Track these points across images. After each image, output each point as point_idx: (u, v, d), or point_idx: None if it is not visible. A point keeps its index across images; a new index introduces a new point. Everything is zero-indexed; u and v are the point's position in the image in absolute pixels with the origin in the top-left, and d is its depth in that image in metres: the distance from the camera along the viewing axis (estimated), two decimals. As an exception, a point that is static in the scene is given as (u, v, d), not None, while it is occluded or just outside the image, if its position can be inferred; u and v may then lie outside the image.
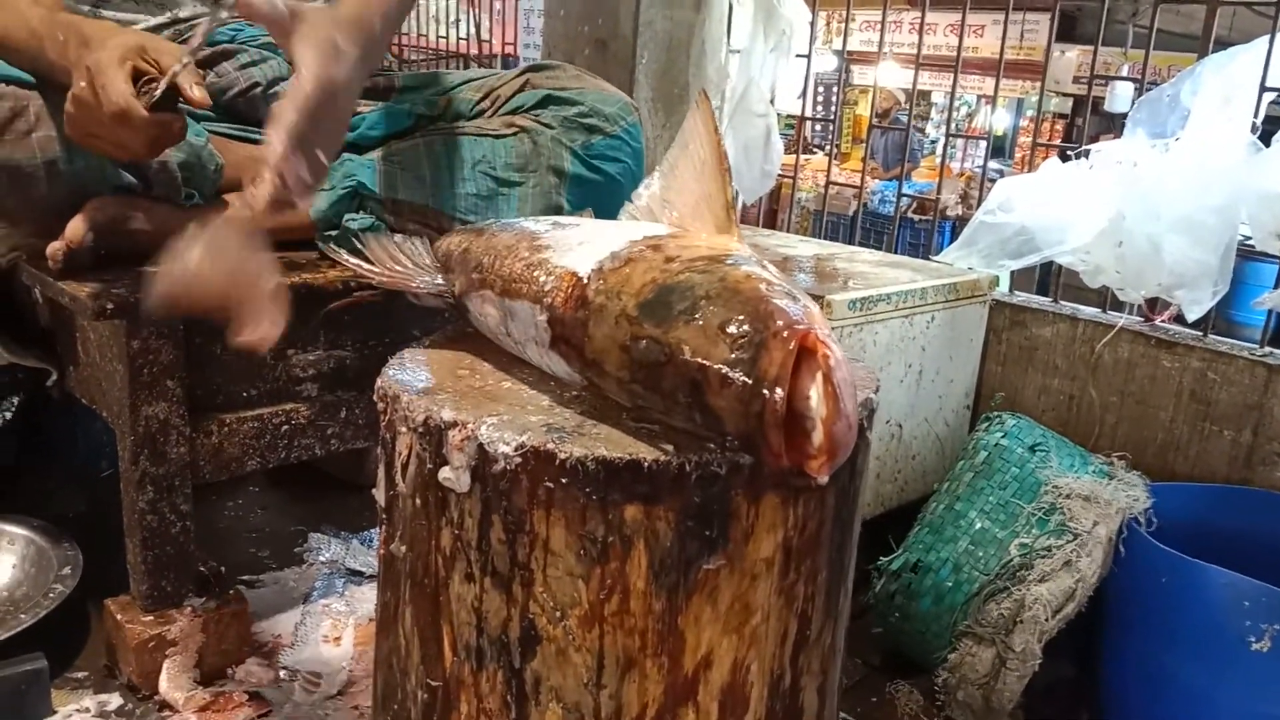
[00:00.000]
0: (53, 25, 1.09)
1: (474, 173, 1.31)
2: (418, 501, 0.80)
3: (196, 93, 1.01)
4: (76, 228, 1.15)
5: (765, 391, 0.63)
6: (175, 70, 0.99)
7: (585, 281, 0.77)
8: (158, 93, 1.00)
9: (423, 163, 1.30)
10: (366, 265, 1.03)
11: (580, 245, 0.83)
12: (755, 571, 0.75)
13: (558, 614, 0.74)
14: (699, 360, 0.67)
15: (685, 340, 0.68)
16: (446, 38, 3.64)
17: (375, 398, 0.85)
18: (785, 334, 0.64)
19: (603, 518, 0.72)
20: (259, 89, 1.34)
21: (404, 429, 0.80)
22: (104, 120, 1.00)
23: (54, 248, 1.14)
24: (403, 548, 0.83)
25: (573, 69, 1.45)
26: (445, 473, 0.76)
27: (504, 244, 0.89)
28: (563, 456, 0.72)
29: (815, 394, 0.63)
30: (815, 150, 6.12)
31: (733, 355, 0.65)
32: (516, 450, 0.73)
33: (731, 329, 0.66)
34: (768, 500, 0.73)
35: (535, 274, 0.82)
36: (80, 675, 1.34)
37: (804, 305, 0.69)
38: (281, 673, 1.36)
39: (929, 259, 2.05)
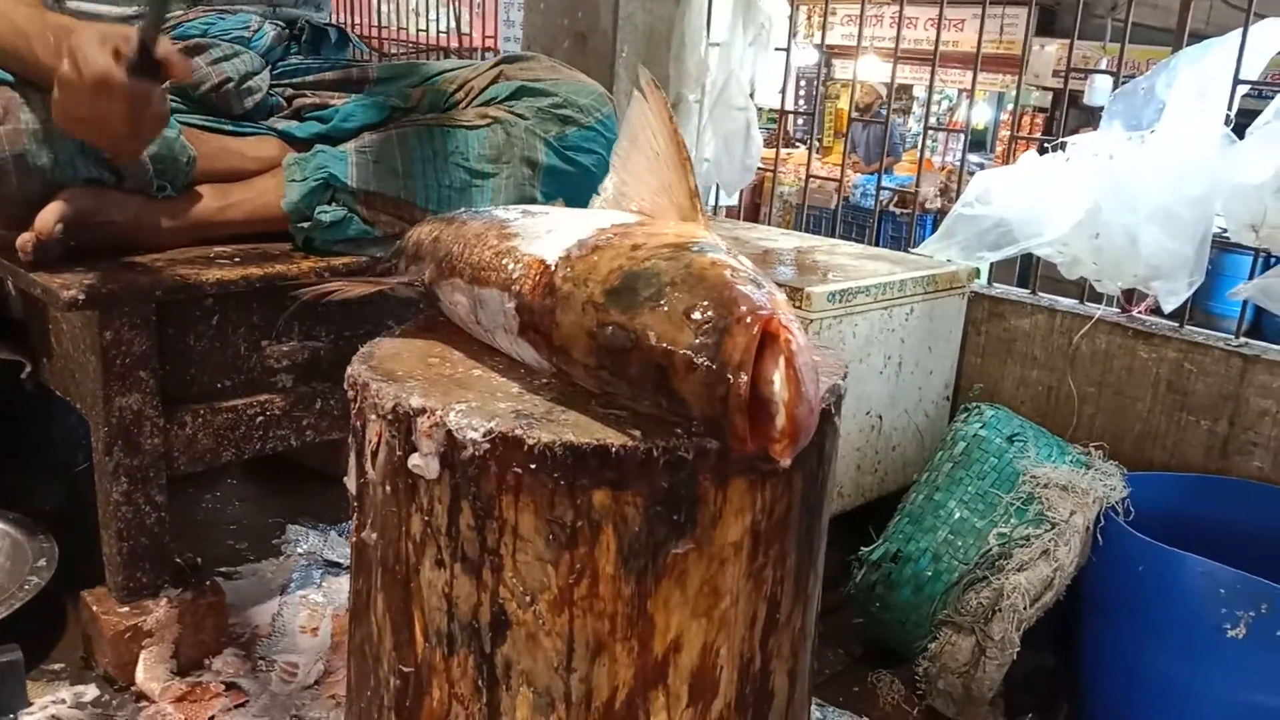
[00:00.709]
0: (42, 25, 1.10)
1: (447, 164, 1.30)
2: (388, 489, 0.80)
3: (175, 59, 1.02)
4: (46, 219, 1.15)
5: (730, 376, 0.64)
6: (146, 30, 1.00)
7: (553, 269, 0.77)
8: (133, 44, 1.00)
9: (395, 154, 1.29)
10: (330, 284, 1.02)
11: (549, 233, 0.83)
12: (724, 555, 0.75)
13: (527, 599, 0.75)
14: (664, 345, 0.67)
15: (651, 326, 0.68)
16: (426, 31, 3.63)
17: (345, 386, 0.85)
18: (749, 319, 0.65)
19: (571, 503, 0.72)
20: (231, 84, 1.34)
21: (373, 416, 0.80)
22: (86, 96, 1.00)
23: (24, 239, 1.14)
24: (374, 535, 0.83)
25: (547, 60, 1.45)
26: (414, 459, 0.76)
27: (473, 232, 0.89)
28: (531, 442, 0.72)
29: (778, 378, 0.63)
30: (797, 144, 6.13)
31: (697, 340, 0.66)
32: (485, 436, 0.73)
33: (696, 314, 0.67)
34: (735, 484, 0.74)
35: (504, 262, 0.82)
36: (56, 667, 1.34)
37: (768, 291, 0.69)
38: (258, 663, 1.36)
39: (908, 251, 2.06)
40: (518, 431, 0.72)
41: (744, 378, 0.63)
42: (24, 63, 1.13)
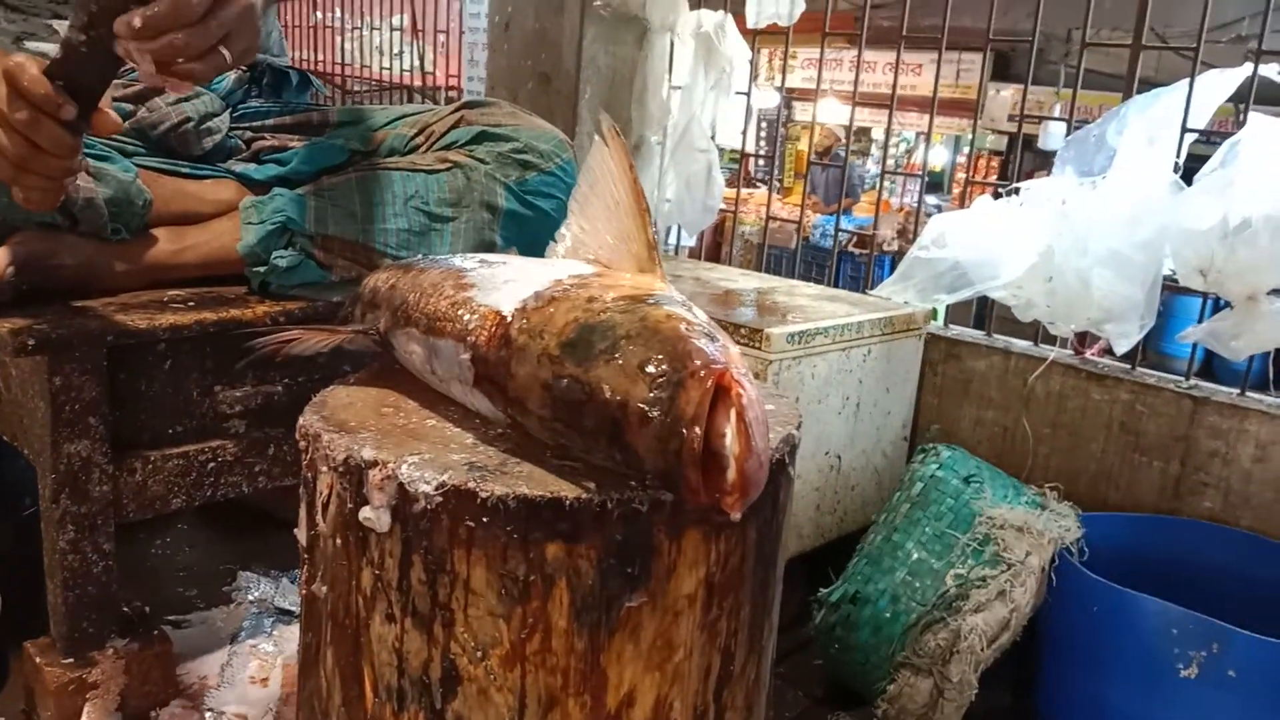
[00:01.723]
0: None
1: (406, 208, 1.30)
2: (338, 541, 0.79)
3: (104, 111, 0.96)
4: None
5: (684, 430, 0.64)
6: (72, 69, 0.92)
7: (509, 320, 0.77)
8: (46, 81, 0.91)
9: (354, 197, 1.29)
10: (285, 334, 1.00)
11: (506, 284, 0.83)
12: (678, 608, 0.75)
13: (479, 654, 0.74)
14: (619, 399, 0.67)
15: (605, 379, 0.68)
16: (390, 69, 3.64)
17: (297, 436, 0.84)
18: (702, 373, 0.65)
19: (524, 556, 0.72)
20: (190, 124, 1.33)
21: (325, 468, 0.79)
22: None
23: None
24: (324, 588, 0.82)
25: (508, 105, 1.46)
26: (366, 512, 0.75)
27: (430, 281, 0.89)
28: (484, 495, 0.71)
29: (729, 432, 0.63)
30: (758, 184, 6.19)
31: (651, 394, 0.66)
32: (437, 489, 0.72)
33: (650, 368, 0.67)
34: (689, 536, 0.74)
35: (459, 312, 0.82)
36: (-3, 720, 1.30)
37: (722, 344, 0.69)
38: (207, 715, 1.32)
39: (866, 293, 2.08)
40: (470, 484, 0.72)
41: (697, 431, 0.63)
42: None
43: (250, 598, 1.62)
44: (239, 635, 1.52)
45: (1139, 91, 1.81)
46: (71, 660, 1.22)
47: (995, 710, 1.66)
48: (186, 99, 1.32)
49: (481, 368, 0.79)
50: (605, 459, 0.72)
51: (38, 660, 1.23)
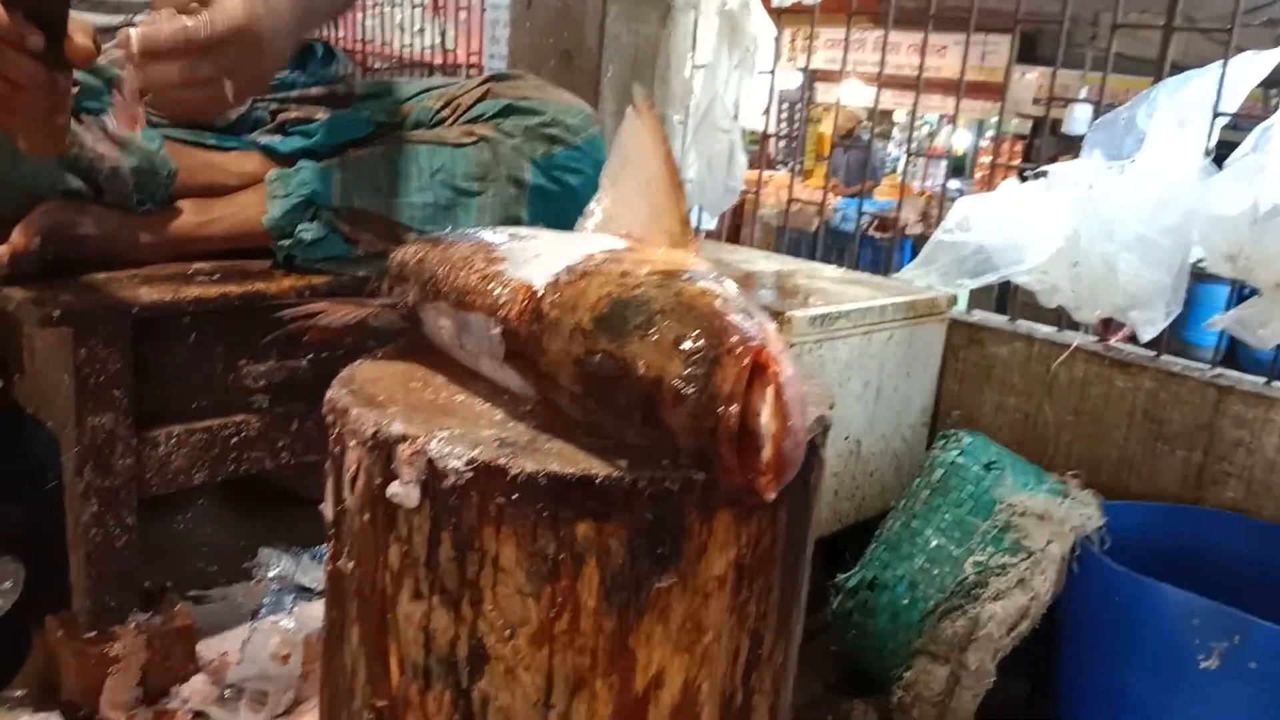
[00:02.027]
0: None
1: (432, 182, 1.29)
2: (365, 517, 0.79)
3: (77, 37, 0.89)
4: (22, 233, 1.12)
5: (719, 408, 0.63)
6: None
7: (540, 295, 0.76)
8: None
9: (379, 171, 1.28)
10: (312, 306, 0.99)
11: (536, 258, 0.82)
12: (707, 590, 0.74)
13: (507, 632, 0.73)
14: (653, 375, 0.66)
15: (639, 355, 0.67)
16: (411, 46, 3.62)
17: (324, 410, 0.83)
18: (739, 350, 0.64)
19: (554, 534, 0.71)
20: None
21: (353, 443, 0.78)
22: None
23: None
24: (350, 564, 0.81)
25: (535, 79, 1.44)
26: (394, 488, 0.75)
27: (459, 255, 0.88)
28: (514, 472, 0.70)
29: (766, 411, 0.62)
30: (778, 166, 6.16)
31: (687, 371, 0.65)
32: (467, 465, 0.72)
33: (686, 344, 0.66)
34: (720, 518, 0.73)
35: (490, 286, 0.81)
36: (18, 694, 1.30)
37: (759, 321, 0.68)
38: (227, 691, 1.33)
39: (888, 277, 2.07)
40: (501, 460, 0.71)
41: (734, 409, 0.62)
42: None
43: (271, 574, 1.62)
44: (260, 611, 1.52)
45: (1168, 75, 1.79)
46: (94, 634, 1.22)
47: (1013, 698, 1.65)
48: None
49: (512, 342, 0.78)
50: (638, 436, 0.71)
51: (59, 634, 1.23)
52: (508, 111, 1.37)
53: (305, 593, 1.58)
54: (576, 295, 0.74)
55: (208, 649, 1.40)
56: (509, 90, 1.40)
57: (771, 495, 0.63)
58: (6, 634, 1.32)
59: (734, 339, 0.65)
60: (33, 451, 1.68)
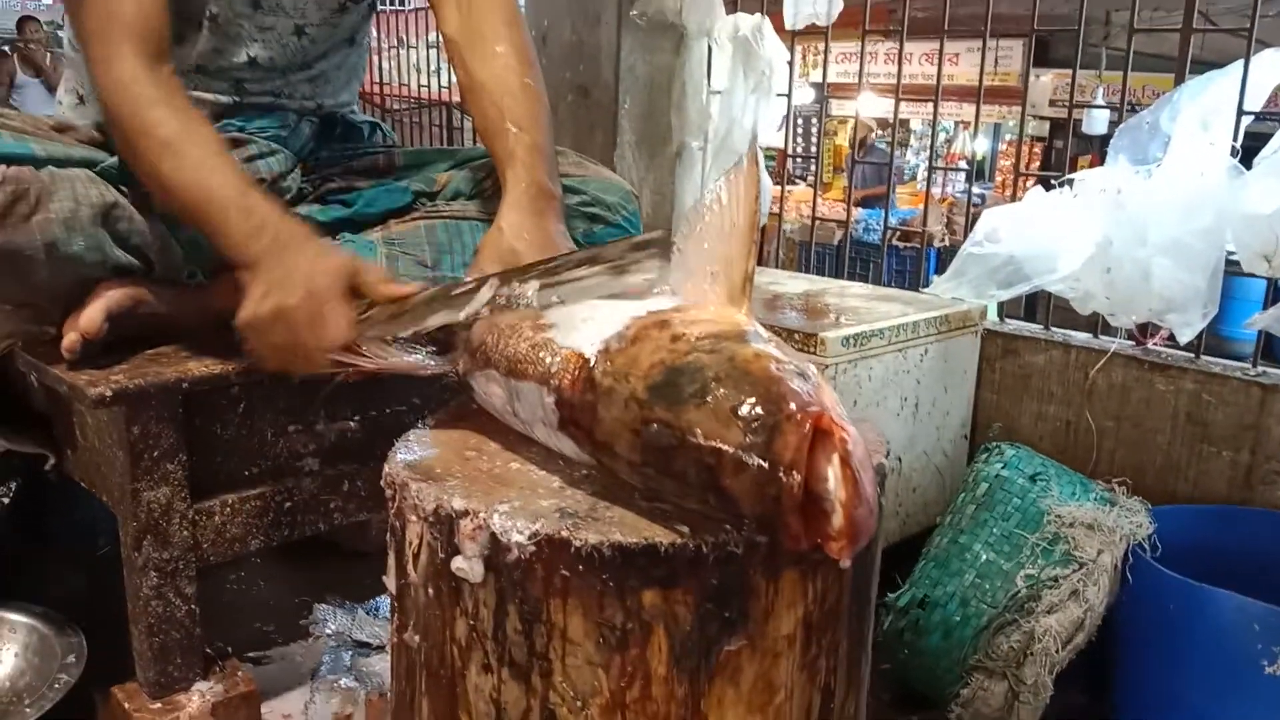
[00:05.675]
0: (245, 202, 1.06)
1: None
2: (430, 591, 0.79)
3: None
4: (92, 318, 1.13)
5: (782, 475, 0.63)
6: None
7: (592, 363, 0.77)
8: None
9: (423, 245, 1.29)
10: (362, 358, 1.01)
11: (584, 323, 0.82)
12: (777, 649, 0.74)
13: (579, 703, 0.74)
14: (712, 444, 0.67)
15: (697, 424, 0.68)
16: (427, 86, 3.64)
17: (383, 484, 0.84)
18: (799, 416, 0.64)
19: (621, 604, 0.72)
20: (265, 183, 1.32)
21: (414, 518, 0.79)
22: (300, 339, 0.99)
23: (71, 340, 1.13)
24: (416, 637, 0.82)
25: (574, 155, 1.44)
26: (458, 562, 0.76)
27: (507, 322, 0.89)
28: (578, 544, 0.71)
29: (833, 477, 0.63)
30: (797, 181, 6.16)
31: (746, 439, 0.65)
32: (530, 539, 0.72)
33: (744, 411, 0.66)
34: (787, 577, 0.73)
35: (540, 354, 0.82)
36: (87, 765, 1.32)
37: (815, 384, 0.68)
38: (293, 752, 1.34)
39: (919, 291, 2.06)
40: (564, 533, 0.72)
41: (797, 477, 0.63)
42: (204, 227, 1.09)
43: (328, 630, 1.63)
44: (319, 670, 1.52)
45: (1188, 69, 1.78)
46: (159, 705, 1.23)
47: (1071, 711, 1.63)
48: (262, 155, 1.31)
49: (567, 411, 0.79)
50: (698, 504, 0.71)
51: (126, 706, 1.25)
52: None
53: (363, 648, 1.59)
54: (628, 363, 0.74)
55: (271, 711, 1.41)
56: None
57: (847, 561, 0.64)
58: (74, 706, 1.33)
59: (793, 405, 0.65)
60: (86, 519, 1.71)
